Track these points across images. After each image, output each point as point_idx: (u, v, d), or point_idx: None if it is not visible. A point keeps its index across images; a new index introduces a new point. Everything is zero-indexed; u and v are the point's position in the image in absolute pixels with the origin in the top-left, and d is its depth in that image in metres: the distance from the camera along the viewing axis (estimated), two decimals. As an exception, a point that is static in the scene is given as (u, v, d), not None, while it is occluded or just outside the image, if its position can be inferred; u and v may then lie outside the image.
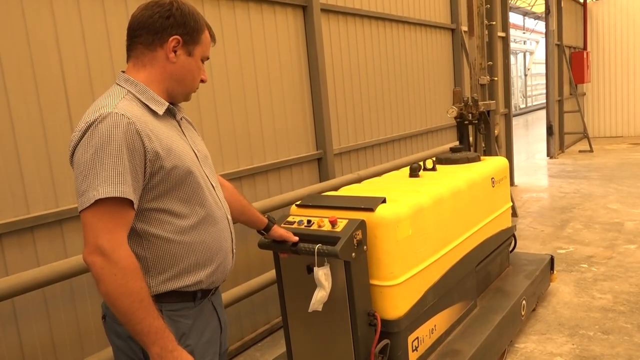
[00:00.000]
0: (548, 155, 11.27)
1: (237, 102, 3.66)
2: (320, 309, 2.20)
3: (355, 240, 2.25)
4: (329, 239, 2.23)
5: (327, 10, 4.45)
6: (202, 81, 1.67)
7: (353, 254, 2.25)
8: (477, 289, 3.30)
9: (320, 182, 4.40)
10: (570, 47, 12.51)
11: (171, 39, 1.53)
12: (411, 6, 5.85)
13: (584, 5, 13.30)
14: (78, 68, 2.71)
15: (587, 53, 12.49)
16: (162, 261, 1.51)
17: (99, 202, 1.35)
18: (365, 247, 2.34)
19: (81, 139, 1.39)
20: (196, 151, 1.65)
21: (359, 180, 4.46)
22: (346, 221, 2.30)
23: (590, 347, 3.34)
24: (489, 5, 5.16)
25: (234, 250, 1.74)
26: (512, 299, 3.38)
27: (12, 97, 2.47)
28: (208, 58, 1.68)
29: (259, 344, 3.83)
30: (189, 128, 1.73)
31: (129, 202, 1.40)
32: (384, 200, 2.47)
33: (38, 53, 2.55)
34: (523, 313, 3.52)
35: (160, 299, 1.51)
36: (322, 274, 2.17)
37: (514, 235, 3.95)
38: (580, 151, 11.75)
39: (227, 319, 1.81)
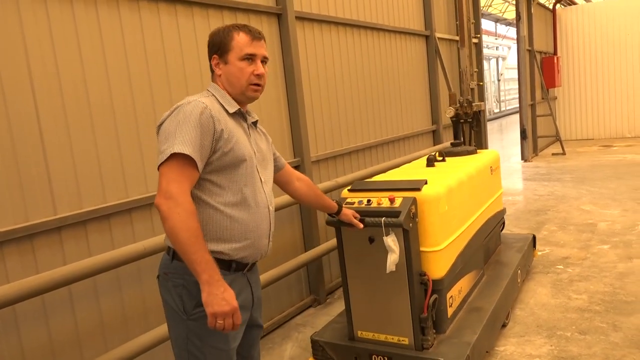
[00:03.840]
0: (522, 158, 11.47)
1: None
2: (394, 269, 2.67)
3: (411, 213, 2.77)
4: (390, 214, 2.73)
5: (301, 18, 4.45)
6: (258, 75, 1.97)
7: (410, 224, 2.76)
8: (484, 260, 3.92)
9: (299, 189, 4.38)
10: (541, 53, 12.78)
11: (212, 58, 2.00)
12: (385, 14, 5.90)
13: (553, 11, 13.62)
14: (100, 85, 2.66)
15: (557, 58, 12.79)
16: (205, 224, 1.85)
17: (173, 157, 1.74)
18: (417, 219, 2.86)
19: (169, 115, 1.83)
20: (255, 149, 2.01)
21: (337, 187, 4.47)
22: (401, 199, 2.80)
23: (568, 347, 3.39)
24: (475, 21, 5.76)
25: (271, 236, 2.05)
26: (511, 269, 4.00)
27: (10, 101, 2.45)
28: (253, 54, 1.95)
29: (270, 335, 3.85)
30: (258, 134, 2.12)
31: (195, 164, 1.77)
32: (426, 182, 2.96)
33: (43, 64, 2.49)
34: (519, 281, 4.17)
35: None
36: (391, 241, 2.63)
37: (503, 217, 4.55)
38: (553, 154, 11.98)
39: (261, 297, 2.14)
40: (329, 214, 2.72)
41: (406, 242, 2.77)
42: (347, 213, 2.72)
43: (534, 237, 4.86)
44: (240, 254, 1.92)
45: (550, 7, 13.74)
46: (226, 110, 1.94)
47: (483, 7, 24.89)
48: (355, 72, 5.27)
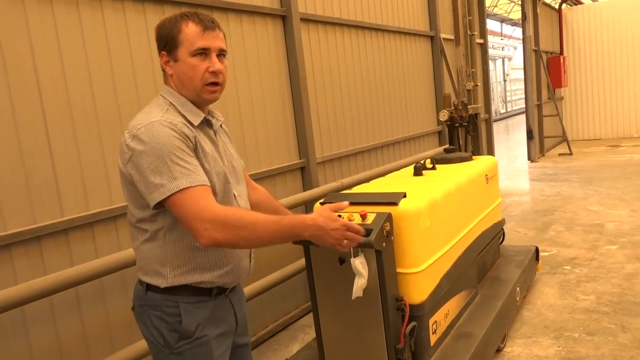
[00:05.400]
0: (529, 159, 11.42)
1: (218, 112, 3.63)
2: (361, 295, 2.31)
3: (385, 231, 2.46)
4: None
5: (306, 20, 4.45)
6: (214, 72, 1.68)
7: (383, 244, 2.45)
8: (477, 278, 3.55)
9: (304, 191, 4.38)
10: (547, 52, 12.73)
11: (161, 56, 1.71)
12: (390, 14, 5.90)
13: (559, 11, 13.56)
14: (106, 92, 2.68)
15: (563, 58, 12.72)
16: (180, 256, 1.67)
17: (185, 190, 1.53)
18: (392, 237, 2.54)
19: (137, 142, 1.57)
20: (225, 160, 1.79)
21: (342, 188, 4.47)
22: (375, 214, 2.48)
23: (575, 348, 3.37)
24: (471, 17, 5.46)
25: (252, 254, 1.88)
26: (508, 287, 3.65)
27: (16, 103, 2.47)
28: (207, 48, 1.66)
29: (275, 337, 4.04)
30: (224, 138, 1.89)
31: (203, 185, 1.58)
32: (404, 195, 2.67)
33: (49, 71, 2.52)
34: (518, 299, 3.82)
35: (178, 291, 1.67)
36: (359, 263, 2.28)
37: (502, 229, 4.22)
38: (560, 154, 11.92)
39: (245, 315, 1.95)
40: None
41: (379, 263, 2.47)
42: None
43: (537, 250, 4.49)
44: (222, 280, 1.75)
45: (556, 6, 13.68)
46: (190, 123, 1.69)
47: (488, 8, 24.83)
48: (360, 73, 5.27)
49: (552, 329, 3.66)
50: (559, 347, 3.41)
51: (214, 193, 1.66)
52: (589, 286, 4.33)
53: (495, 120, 20.76)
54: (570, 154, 11.67)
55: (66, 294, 2.66)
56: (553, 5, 13.97)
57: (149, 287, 1.70)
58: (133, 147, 1.58)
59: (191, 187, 1.54)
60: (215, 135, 1.80)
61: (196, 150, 1.65)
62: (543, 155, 12.08)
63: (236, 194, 1.80)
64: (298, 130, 4.38)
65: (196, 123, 1.70)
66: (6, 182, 2.46)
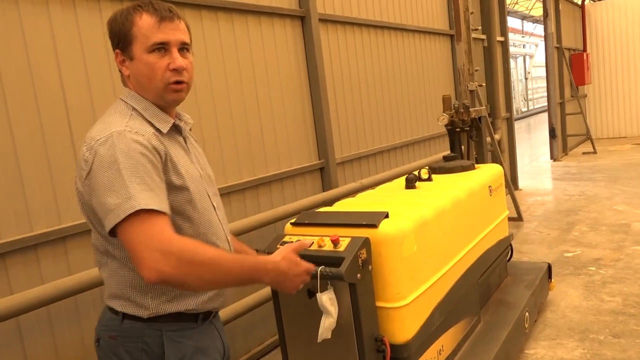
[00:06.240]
0: (551, 158, 11.23)
1: (238, 113, 3.66)
2: (329, 337, 2.03)
3: (360, 260, 2.10)
4: (332, 260, 2.06)
5: (325, 20, 4.46)
6: (176, 70, 1.46)
7: (358, 275, 2.09)
8: (479, 303, 3.18)
9: (324, 191, 4.39)
10: (569, 49, 12.51)
11: (115, 55, 1.50)
12: (409, 13, 5.87)
13: (582, 7, 13.32)
14: (106, 93, 2.71)
15: (587, 55, 12.49)
16: None
17: (139, 213, 1.30)
18: (370, 266, 2.18)
19: (96, 157, 1.35)
20: (200, 170, 1.59)
21: (362, 189, 4.45)
22: (349, 239, 2.13)
23: (601, 351, 3.30)
24: (473, 12, 5.19)
25: None
26: (516, 312, 3.28)
27: (12, 111, 2.45)
28: (165, 41, 1.45)
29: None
30: (194, 145, 1.67)
31: (164, 213, 1.36)
32: (386, 215, 2.32)
33: (44, 80, 2.56)
34: (527, 325, 3.42)
35: (161, 320, 1.48)
36: (327, 299, 1.99)
37: (510, 245, 3.86)
38: (583, 153, 11.70)
39: (228, 343, 1.75)
40: None
41: (354, 298, 2.10)
42: None
43: (550, 267, 4.05)
44: (208, 305, 1.56)
45: (579, 2, 13.44)
46: (158, 130, 1.47)
47: (509, 5, 24.52)
48: (379, 72, 5.26)
49: (576, 330, 3.59)
50: (584, 349, 3.35)
51: (193, 206, 1.49)
52: (615, 287, 4.23)
53: (517, 119, 20.49)
54: (595, 152, 11.45)
55: (65, 303, 2.60)
56: (575, 1, 13.71)
57: (126, 317, 1.48)
58: (91, 162, 1.36)
59: (148, 210, 1.30)
60: (185, 142, 1.59)
61: (165, 165, 1.43)
62: (566, 154, 11.87)
63: (215, 205, 1.62)
64: (317, 130, 4.38)
65: (164, 130, 1.48)
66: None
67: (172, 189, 1.44)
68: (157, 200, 1.33)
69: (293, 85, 4.16)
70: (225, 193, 3.50)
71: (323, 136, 4.36)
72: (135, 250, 1.30)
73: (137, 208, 1.29)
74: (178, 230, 1.45)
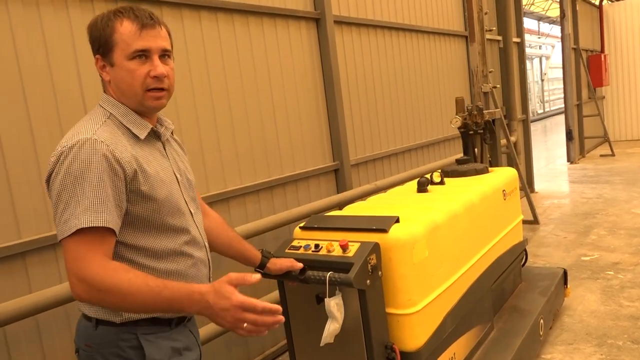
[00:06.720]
0: (568, 160, 11.10)
1: (253, 115, 3.68)
2: (332, 342, 2.02)
3: (369, 265, 2.06)
4: (341, 265, 2.04)
5: (340, 22, 4.46)
6: (156, 77, 1.47)
7: (368, 281, 2.05)
8: (493, 310, 3.12)
9: (338, 193, 4.39)
10: (587, 51, 12.35)
11: (95, 60, 1.51)
12: (424, 15, 5.85)
13: (600, 7, 13.14)
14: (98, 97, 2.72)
15: (604, 56, 12.32)
16: None
17: (81, 231, 1.33)
18: (380, 272, 2.14)
19: (57, 164, 1.38)
20: (178, 176, 1.60)
21: (376, 190, 4.44)
22: (358, 244, 2.10)
23: (619, 357, 3.25)
24: (487, 12, 5.08)
25: (211, 278, 1.67)
26: (530, 319, 3.21)
27: (1, 114, 2.35)
28: (146, 49, 1.45)
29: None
30: (175, 150, 1.68)
31: (111, 230, 1.38)
32: (397, 220, 2.29)
33: (36, 86, 2.58)
34: (541, 333, 3.35)
35: (136, 324, 1.49)
36: (334, 305, 1.98)
37: (525, 250, 3.79)
38: (601, 155, 11.54)
39: (201, 347, 1.73)
40: (255, 269, 2.05)
41: (363, 304, 2.07)
42: (278, 264, 2.07)
43: (565, 273, 3.95)
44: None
45: (597, 3, 13.26)
46: (134, 135, 1.50)
47: (525, 6, 24.30)
48: (394, 74, 5.24)
49: (594, 336, 3.54)
50: (601, 355, 3.30)
51: (165, 213, 1.49)
52: (633, 292, 4.17)
53: (533, 121, 20.28)
54: (613, 155, 11.28)
55: (55, 312, 2.50)
56: (593, 1, 13.53)
57: (100, 322, 1.48)
58: (52, 168, 1.39)
59: (88, 228, 1.33)
60: (164, 148, 1.60)
61: (135, 174, 1.43)
62: (583, 156, 11.72)
63: (192, 211, 1.63)
64: (332, 132, 4.38)
65: (142, 136, 1.50)
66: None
67: (142, 197, 1.45)
68: (102, 217, 1.35)
69: (308, 87, 4.17)
70: (240, 195, 3.52)
71: (337, 138, 4.36)
72: (66, 269, 1.37)
73: (76, 228, 1.33)
74: (151, 240, 1.48)
